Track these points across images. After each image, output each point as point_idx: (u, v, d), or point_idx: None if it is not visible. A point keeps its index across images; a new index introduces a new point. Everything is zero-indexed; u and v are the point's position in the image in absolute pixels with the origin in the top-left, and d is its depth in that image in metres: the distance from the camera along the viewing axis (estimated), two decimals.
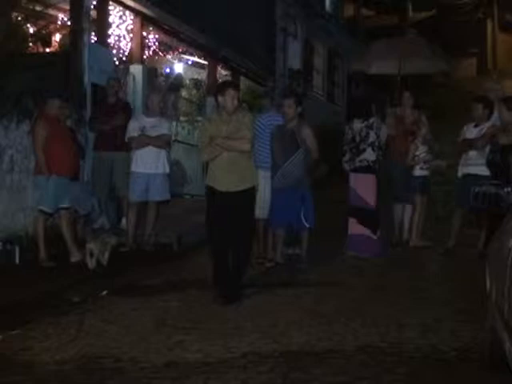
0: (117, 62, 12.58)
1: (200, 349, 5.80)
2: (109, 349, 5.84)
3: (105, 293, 7.94)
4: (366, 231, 9.99)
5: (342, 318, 6.75)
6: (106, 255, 8.97)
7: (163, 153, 10.25)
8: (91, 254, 8.85)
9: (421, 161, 10.56)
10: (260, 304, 7.39)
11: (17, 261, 8.92)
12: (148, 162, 10.15)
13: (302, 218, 9.24)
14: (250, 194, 7.73)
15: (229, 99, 7.55)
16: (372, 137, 10.04)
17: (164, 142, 10.22)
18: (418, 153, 10.56)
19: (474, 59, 33.02)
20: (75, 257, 9.10)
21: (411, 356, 5.62)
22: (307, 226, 9.30)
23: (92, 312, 7.10)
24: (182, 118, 15.61)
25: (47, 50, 11.82)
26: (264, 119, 9.71)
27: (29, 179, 9.39)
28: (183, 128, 15.42)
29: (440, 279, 8.64)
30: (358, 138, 10.17)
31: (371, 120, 10.13)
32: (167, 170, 10.32)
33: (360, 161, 10.11)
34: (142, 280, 8.67)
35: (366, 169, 10.05)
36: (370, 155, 10.04)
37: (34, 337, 6.23)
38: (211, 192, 7.72)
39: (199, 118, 15.92)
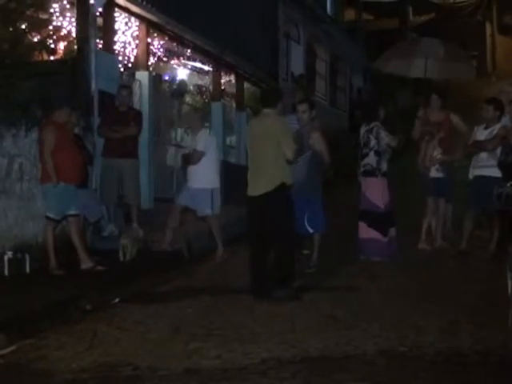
0: (122, 69, 12.53)
1: (218, 355, 5.75)
2: (125, 357, 5.79)
3: (117, 300, 7.90)
4: (375, 234, 9.96)
5: (360, 322, 6.72)
6: (135, 250, 9.68)
7: (194, 168, 10.30)
8: (124, 250, 9.57)
9: (436, 162, 10.50)
10: (275, 309, 7.34)
11: (27, 269, 8.87)
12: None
13: (306, 223, 9.23)
14: None
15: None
16: (372, 141, 10.05)
17: (193, 158, 10.31)
18: (434, 153, 10.51)
19: (473, 62, 33.05)
20: (86, 264, 9.06)
21: (432, 360, 5.58)
22: (311, 231, 9.29)
23: (105, 320, 7.05)
24: (186, 124, 15.52)
25: (52, 58, 11.76)
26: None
27: (38, 187, 9.34)
28: (187, 134, 15.33)
29: (454, 281, 8.58)
30: (361, 143, 10.20)
31: (372, 125, 10.13)
32: (200, 185, 10.29)
33: (364, 165, 10.13)
34: (154, 287, 8.64)
35: (371, 173, 10.04)
36: (372, 160, 10.06)
37: (49, 345, 6.18)
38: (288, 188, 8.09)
39: (205, 124, 15.85)
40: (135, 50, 12.95)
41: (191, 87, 16.63)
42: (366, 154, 10.09)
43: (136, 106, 11.91)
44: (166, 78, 15.51)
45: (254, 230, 8.12)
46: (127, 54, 12.86)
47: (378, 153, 10.03)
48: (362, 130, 10.26)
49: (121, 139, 10.55)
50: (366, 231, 10.03)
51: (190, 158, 10.39)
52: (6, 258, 8.68)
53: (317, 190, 9.34)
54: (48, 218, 9.04)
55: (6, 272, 8.64)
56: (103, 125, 10.73)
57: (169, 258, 10.08)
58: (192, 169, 10.35)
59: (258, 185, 8.01)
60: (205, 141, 10.38)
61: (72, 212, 9.14)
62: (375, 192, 10.01)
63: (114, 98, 11.17)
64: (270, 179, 7.95)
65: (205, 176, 10.21)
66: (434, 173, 10.59)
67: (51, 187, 8.99)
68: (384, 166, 10.10)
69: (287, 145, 7.98)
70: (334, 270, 9.20)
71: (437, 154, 10.50)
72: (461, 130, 10.58)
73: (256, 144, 8.21)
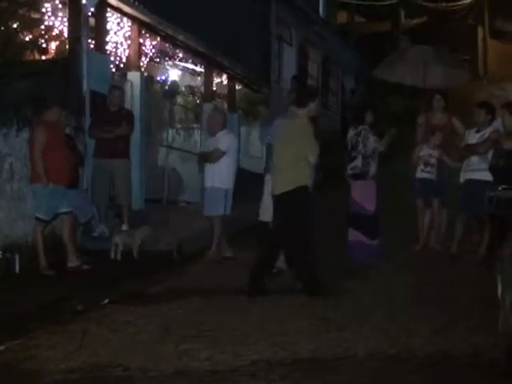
0: (114, 69, 12.51)
1: (208, 357, 5.75)
2: (116, 357, 5.77)
3: (107, 301, 7.85)
4: (363, 237, 9.97)
5: (351, 324, 6.72)
6: (137, 247, 9.80)
7: (211, 167, 10.32)
8: (116, 249, 9.66)
9: (421, 162, 10.49)
10: (266, 311, 7.34)
11: (17, 269, 8.82)
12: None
13: None
14: None
15: None
16: (360, 145, 10.08)
17: (213, 156, 10.30)
18: (422, 153, 10.51)
19: (466, 66, 33.08)
20: (73, 262, 9.04)
21: (422, 362, 5.59)
22: None
23: (96, 320, 7.02)
24: (177, 125, 15.54)
25: (44, 57, 11.73)
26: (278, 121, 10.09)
27: (28, 187, 9.31)
28: (179, 135, 15.34)
29: (444, 285, 8.58)
30: (349, 146, 10.22)
31: (360, 128, 10.15)
32: (215, 184, 10.28)
33: (352, 168, 10.15)
34: (144, 288, 8.59)
35: (360, 176, 10.06)
36: (360, 163, 10.09)
37: (38, 346, 6.15)
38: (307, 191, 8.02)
39: (195, 125, 15.86)
40: (127, 51, 12.95)
41: (183, 88, 16.63)
42: (355, 157, 10.10)
43: (127, 106, 11.89)
44: (158, 78, 15.50)
45: (274, 228, 8.28)
46: (119, 54, 12.86)
47: (366, 156, 10.05)
48: (351, 133, 10.27)
49: (112, 139, 10.54)
50: (355, 234, 10.03)
51: (210, 156, 10.37)
52: None
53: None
54: (37, 218, 9.01)
55: None
56: (94, 125, 10.71)
57: (160, 259, 10.04)
58: (209, 168, 10.36)
59: (278, 184, 8.09)
60: (227, 141, 10.39)
61: (64, 210, 9.12)
62: (364, 195, 10.02)
63: (105, 99, 11.17)
64: (290, 180, 7.98)
65: (221, 176, 10.23)
66: (419, 173, 10.55)
67: (41, 187, 8.96)
68: (372, 170, 10.10)
69: (310, 148, 7.99)
70: (325, 272, 9.18)
71: (424, 153, 10.49)
72: (461, 134, 10.52)
73: (280, 144, 8.24)
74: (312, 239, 8.10)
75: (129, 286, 8.64)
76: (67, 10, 11.26)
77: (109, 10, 12.01)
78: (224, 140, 10.35)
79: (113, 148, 10.57)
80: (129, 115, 11.02)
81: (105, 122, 10.59)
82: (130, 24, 12.76)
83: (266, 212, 9.73)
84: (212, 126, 10.62)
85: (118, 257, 9.71)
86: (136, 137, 11.63)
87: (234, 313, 7.27)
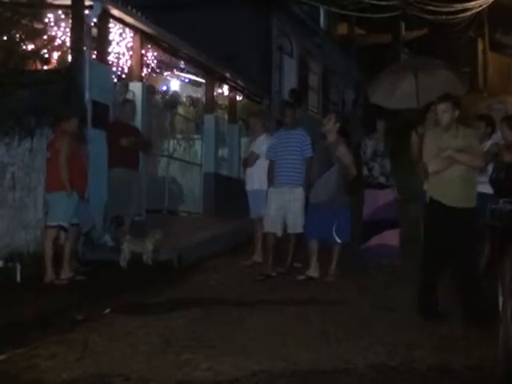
0: (116, 80, 12.54)
1: (209, 367, 5.75)
2: (116, 367, 5.78)
3: (108, 311, 7.87)
4: (388, 240, 10.50)
5: (350, 336, 6.72)
6: (149, 253, 9.88)
7: (251, 170, 10.69)
8: (124, 255, 9.75)
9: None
10: (266, 322, 7.33)
11: (18, 278, 8.85)
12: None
13: (334, 233, 9.45)
14: (473, 211, 7.45)
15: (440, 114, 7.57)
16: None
17: (249, 160, 10.64)
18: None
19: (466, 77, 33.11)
20: (66, 274, 9.06)
21: (424, 375, 5.59)
22: (339, 241, 9.52)
23: (96, 330, 7.02)
24: (178, 136, 15.57)
25: (46, 67, 11.77)
26: (275, 136, 10.28)
27: (30, 196, 9.37)
28: (180, 145, 15.38)
29: (445, 296, 8.57)
30: (369, 156, 10.77)
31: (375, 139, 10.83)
32: (255, 186, 10.61)
33: (372, 176, 10.66)
34: (145, 298, 8.59)
35: (378, 185, 10.58)
36: (376, 172, 10.57)
37: (39, 355, 6.15)
38: (436, 205, 7.52)
39: (196, 136, 15.90)
40: (129, 61, 12.97)
41: (184, 99, 16.67)
42: (373, 168, 10.62)
43: None
44: (159, 89, 15.55)
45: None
46: (121, 64, 12.87)
47: (381, 166, 10.63)
48: (369, 143, 10.77)
49: (134, 150, 10.80)
50: (379, 238, 10.52)
51: (246, 161, 10.71)
52: None
53: (345, 202, 9.59)
54: (54, 226, 9.02)
55: None
56: (123, 135, 10.72)
57: (160, 269, 10.06)
58: (252, 171, 10.65)
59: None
60: (263, 144, 10.54)
61: (74, 221, 9.17)
62: (387, 202, 10.57)
63: (107, 109, 11.18)
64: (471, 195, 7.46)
65: (261, 178, 10.36)
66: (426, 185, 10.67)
67: (63, 195, 8.99)
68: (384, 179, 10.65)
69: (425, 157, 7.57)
70: (325, 283, 9.23)
71: None
72: None
73: None
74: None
75: (129, 295, 8.65)
76: (70, 21, 11.29)
77: (111, 20, 12.03)
78: (260, 143, 10.57)
79: (136, 158, 10.88)
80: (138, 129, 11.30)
81: (125, 133, 10.71)
82: (132, 35, 12.79)
83: (271, 223, 9.82)
84: (252, 131, 11.05)
85: (125, 265, 9.75)
86: None
87: (234, 323, 7.27)
